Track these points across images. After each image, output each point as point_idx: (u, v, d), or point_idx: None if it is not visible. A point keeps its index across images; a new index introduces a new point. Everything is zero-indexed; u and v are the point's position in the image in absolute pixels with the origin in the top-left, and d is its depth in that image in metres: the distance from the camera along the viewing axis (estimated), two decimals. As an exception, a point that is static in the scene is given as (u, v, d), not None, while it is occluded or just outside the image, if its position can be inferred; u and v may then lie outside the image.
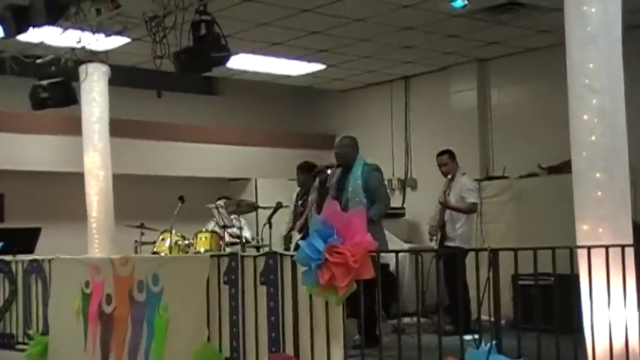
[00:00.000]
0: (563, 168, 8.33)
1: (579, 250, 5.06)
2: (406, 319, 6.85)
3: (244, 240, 9.21)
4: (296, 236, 7.79)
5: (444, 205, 7.93)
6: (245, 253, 6.30)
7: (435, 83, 11.53)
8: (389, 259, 7.14)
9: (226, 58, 6.97)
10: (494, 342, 4.36)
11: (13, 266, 7.70)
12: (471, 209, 7.97)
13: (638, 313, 5.07)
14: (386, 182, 11.71)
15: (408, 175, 11.98)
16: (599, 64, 5.21)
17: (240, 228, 9.34)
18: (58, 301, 7.05)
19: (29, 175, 10.44)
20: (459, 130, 10.92)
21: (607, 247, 4.96)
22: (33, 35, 7.78)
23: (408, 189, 11.94)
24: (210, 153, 11.94)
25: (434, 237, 8.11)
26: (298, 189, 8.28)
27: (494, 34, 9.61)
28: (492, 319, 5.02)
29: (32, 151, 10.39)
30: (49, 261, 7.24)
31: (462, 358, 4.43)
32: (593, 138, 5.19)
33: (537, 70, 10.20)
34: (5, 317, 7.80)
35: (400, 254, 5.36)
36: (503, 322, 5.21)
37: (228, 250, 8.68)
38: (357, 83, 12.30)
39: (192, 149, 11.77)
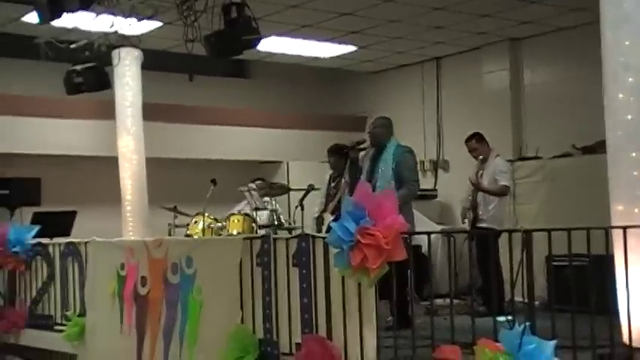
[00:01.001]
0: (598, 148, 8.23)
1: (614, 231, 5.02)
2: (439, 301, 6.83)
3: (277, 222, 9.23)
4: (328, 218, 7.79)
5: (476, 187, 7.88)
6: (277, 235, 6.33)
7: (467, 64, 11.43)
8: (421, 240, 7.12)
9: (257, 41, 6.98)
10: (527, 323, 4.34)
11: (51, 249, 7.83)
12: (503, 191, 7.90)
13: (674, 293, 5.01)
14: (418, 164, 11.84)
15: (440, 157, 11.92)
16: (634, 42, 5.14)
17: (274, 210, 9.36)
18: (94, 283, 7.15)
19: (64, 159, 10.55)
20: (491, 111, 10.83)
21: (643, 228, 4.91)
22: (67, 21, 7.84)
23: (440, 170, 11.88)
24: (242, 136, 11.97)
25: (466, 219, 8.07)
26: (331, 171, 8.28)
27: (527, 13, 9.50)
28: (526, 300, 5.01)
29: (67, 135, 10.49)
30: (85, 244, 7.33)
31: (496, 340, 4.42)
32: (629, 117, 5.13)
33: (571, 49, 10.07)
34: (43, 299, 7.94)
35: (432, 236, 5.34)
36: (537, 303, 5.19)
37: (260, 232, 8.72)
38: (387, 65, 12.24)
39: (224, 132, 11.80)
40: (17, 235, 8.08)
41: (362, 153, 7.15)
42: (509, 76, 10.90)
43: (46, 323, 7.85)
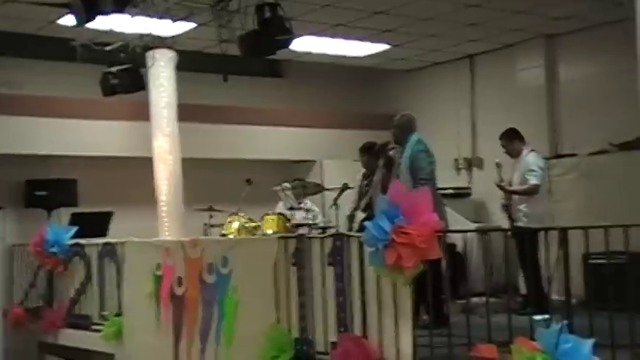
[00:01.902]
0: (635, 145, 8.13)
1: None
2: (475, 299, 6.80)
3: (312, 222, 9.24)
4: (359, 216, 7.78)
5: (501, 189, 7.80)
6: (312, 235, 6.34)
7: (501, 61, 11.34)
8: (456, 239, 7.10)
9: (290, 41, 6.99)
10: (565, 322, 4.30)
11: (88, 249, 7.91)
12: (529, 191, 7.74)
13: None
14: (452, 162, 11.77)
15: (474, 155, 11.85)
16: (671, 37, 5.07)
17: (308, 210, 9.36)
18: (131, 283, 7.21)
19: (101, 160, 10.65)
20: (526, 108, 10.73)
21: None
22: (102, 23, 7.92)
23: (475, 168, 11.81)
24: (276, 135, 11.99)
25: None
26: (363, 170, 8.28)
27: (562, 9, 9.40)
28: (563, 298, 4.97)
29: (103, 136, 10.58)
30: (122, 244, 7.40)
31: (533, 338, 4.38)
32: (667, 113, 5.07)
33: (606, 45, 9.95)
34: (81, 299, 8.03)
35: (468, 234, 5.32)
36: (574, 301, 5.14)
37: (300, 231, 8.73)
38: (421, 63, 12.19)
39: (258, 132, 11.83)
40: (55, 235, 8.19)
41: (393, 151, 7.13)
42: (544, 73, 10.79)
43: (83, 323, 7.95)
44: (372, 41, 10.74)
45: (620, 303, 4.86)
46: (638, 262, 5.00)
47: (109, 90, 8.66)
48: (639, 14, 5.24)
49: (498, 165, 7.82)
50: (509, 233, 6.83)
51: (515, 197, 7.83)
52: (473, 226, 9.91)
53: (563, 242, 4.92)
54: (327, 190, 9.33)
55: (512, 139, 8.03)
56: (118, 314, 7.38)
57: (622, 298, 4.88)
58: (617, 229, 4.87)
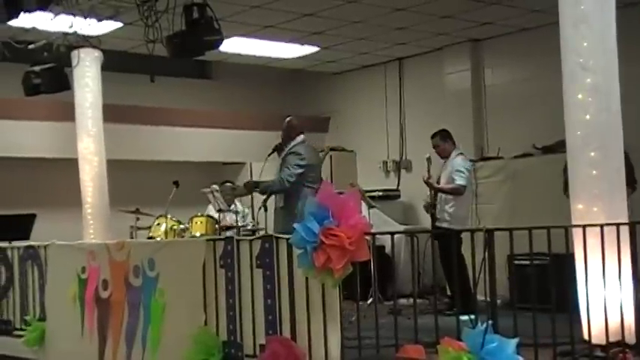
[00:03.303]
0: (558, 147, 8.32)
1: (574, 230, 5.08)
2: (402, 301, 6.86)
3: (241, 224, 9.20)
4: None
5: (428, 185, 7.93)
6: (241, 237, 6.30)
7: (429, 64, 11.49)
8: (384, 241, 7.14)
9: (219, 42, 6.93)
10: (490, 322, 4.37)
11: (9, 253, 7.70)
12: (457, 191, 7.91)
13: (633, 291, 5.09)
14: (380, 164, 11.85)
15: (403, 157, 11.97)
16: (592, 43, 5.21)
17: (237, 212, 9.32)
18: (55, 287, 7.05)
19: (23, 161, 10.40)
20: (453, 111, 10.90)
21: (602, 226, 4.97)
22: (25, 21, 7.73)
23: (403, 171, 11.93)
24: (204, 137, 11.90)
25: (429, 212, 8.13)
26: None
27: (488, 14, 9.57)
28: (488, 299, 5.05)
29: (26, 137, 10.34)
30: (45, 247, 7.23)
31: (459, 339, 4.44)
32: (588, 117, 5.20)
33: (531, 49, 10.17)
34: (2, 304, 7.81)
35: (396, 236, 5.36)
36: (499, 302, 5.24)
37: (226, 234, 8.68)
38: (350, 65, 12.26)
39: (186, 134, 11.73)
40: (-25, 239, 7.95)
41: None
42: (471, 77, 10.97)
43: (5, 328, 7.73)
44: (302, 43, 10.75)
45: (543, 303, 4.97)
46: (560, 263, 5.12)
47: (31, 90, 8.45)
48: (562, 20, 5.36)
49: (429, 160, 7.93)
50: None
51: (443, 198, 7.95)
52: (401, 227, 10.02)
53: (489, 243, 5.00)
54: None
55: (445, 140, 8.19)
56: (41, 319, 7.21)
57: (545, 298, 4.99)
58: (541, 230, 4.98)
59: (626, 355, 4.89)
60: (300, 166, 7.22)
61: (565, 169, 5.61)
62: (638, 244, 5.16)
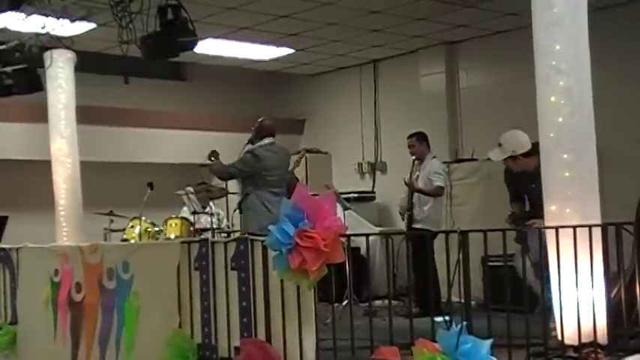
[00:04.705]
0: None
1: (547, 231, 5.12)
2: (378, 302, 6.87)
3: (216, 226, 9.17)
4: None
5: (410, 187, 7.99)
6: (215, 239, 6.28)
7: (404, 66, 11.53)
8: (359, 242, 7.15)
9: (194, 43, 6.91)
10: (464, 323, 4.39)
11: (-20, 255, 7.61)
12: (437, 192, 8.00)
13: (605, 292, 5.13)
14: (355, 166, 11.88)
15: (378, 159, 12.00)
16: (565, 46, 5.25)
17: (212, 214, 9.29)
18: (27, 290, 6.98)
19: (-5, 163, 10.31)
20: (428, 113, 10.94)
21: (575, 228, 5.02)
22: (-4, 21, 7.67)
23: (378, 172, 11.96)
24: (179, 139, 11.85)
25: (404, 217, 8.17)
26: None
27: (462, 16, 9.62)
28: (463, 300, 5.07)
29: (-3, 138, 10.25)
30: (17, 250, 7.15)
31: (434, 340, 4.45)
32: (560, 119, 5.25)
33: (505, 52, 10.24)
34: (-27, 307, 7.72)
35: (371, 237, 5.38)
36: (473, 303, 5.26)
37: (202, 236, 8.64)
38: (325, 67, 12.27)
39: (160, 135, 11.68)
40: (-55, 241, 7.85)
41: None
42: (445, 79, 11.03)
43: (-24, 332, 7.63)
44: (277, 45, 10.74)
45: (517, 304, 5.00)
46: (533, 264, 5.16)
47: (3, 91, 8.36)
48: (535, 23, 5.40)
49: (414, 162, 8.00)
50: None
51: (420, 199, 7.99)
52: (376, 229, 10.03)
53: (463, 245, 5.02)
54: (232, 193, 9.28)
55: (422, 142, 8.25)
56: (13, 322, 7.14)
57: (518, 299, 5.03)
58: (515, 232, 5.02)
59: (598, 356, 4.94)
60: (248, 167, 7.45)
61: None
62: (610, 246, 5.21)
